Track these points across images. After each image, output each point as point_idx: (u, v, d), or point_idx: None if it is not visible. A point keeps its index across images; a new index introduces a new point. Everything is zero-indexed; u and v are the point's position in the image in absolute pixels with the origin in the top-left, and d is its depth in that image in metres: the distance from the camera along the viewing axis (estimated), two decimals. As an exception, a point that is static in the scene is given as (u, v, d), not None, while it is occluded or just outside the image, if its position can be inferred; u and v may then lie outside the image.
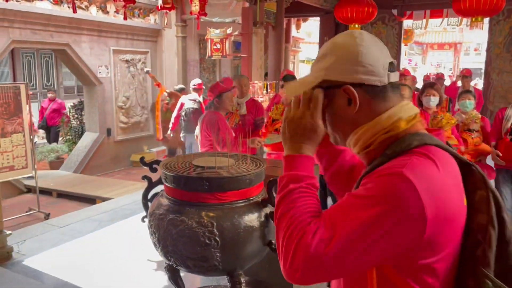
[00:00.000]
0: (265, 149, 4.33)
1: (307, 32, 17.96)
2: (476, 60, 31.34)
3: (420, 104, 3.74)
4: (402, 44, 11.34)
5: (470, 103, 3.96)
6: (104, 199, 5.90)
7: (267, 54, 8.92)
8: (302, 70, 17.49)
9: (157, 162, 2.90)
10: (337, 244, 0.76)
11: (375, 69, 0.87)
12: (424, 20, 10.32)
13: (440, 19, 10.21)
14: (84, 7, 7.27)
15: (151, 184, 2.84)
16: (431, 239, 0.76)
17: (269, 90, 7.31)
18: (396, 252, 0.77)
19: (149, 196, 2.76)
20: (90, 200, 6.09)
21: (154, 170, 2.72)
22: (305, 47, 18.54)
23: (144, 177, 2.84)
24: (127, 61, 8.21)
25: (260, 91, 7.06)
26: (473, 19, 6.49)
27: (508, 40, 8.86)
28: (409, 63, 27.96)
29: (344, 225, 0.77)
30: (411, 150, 0.82)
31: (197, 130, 3.96)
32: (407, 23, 11.70)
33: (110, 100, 7.93)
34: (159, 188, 2.50)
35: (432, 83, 4.02)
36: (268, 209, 2.14)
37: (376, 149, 0.88)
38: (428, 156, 0.80)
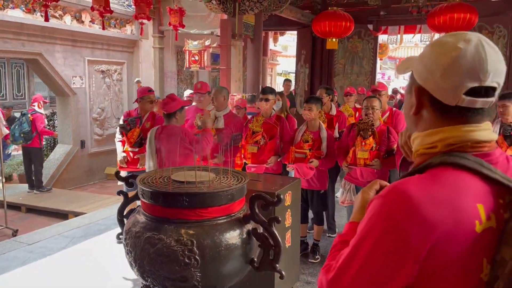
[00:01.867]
0: (245, 161, 4.26)
1: (283, 46, 18.16)
2: (447, 75, 32.47)
3: None
4: (378, 59, 11.56)
5: None
6: (76, 214, 5.70)
7: (245, 67, 8.92)
8: (279, 83, 17.60)
9: (133, 176, 2.78)
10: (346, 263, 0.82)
11: (447, 87, 0.84)
12: (399, 35, 10.57)
13: (414, 34, 10.48)
14: (58, 16, 7.10)
15: (127, 200, 2.72)
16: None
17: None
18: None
19: (124, 212, 2.64)
20: (62, 215, 5.87)
21: (130, 185, 2.61)
22: (282, 60, 18.72)
23: (120, 192, 2.72)
24: (102, 71, 8.04)
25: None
26: (447, 34, 6.66)
27: (479, 55, 9.13)
28: (382, 78, 28.61)
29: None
30: (428, 169, 0.82)
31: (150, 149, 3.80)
32: (382, 37, 11.95)
33: (84, 111, 7.72)
34: (137, 203, 2.39)
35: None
36: (250, 226, 2.07)
37: (416, 159, 0.91)
38: (430, 176, 0.78)
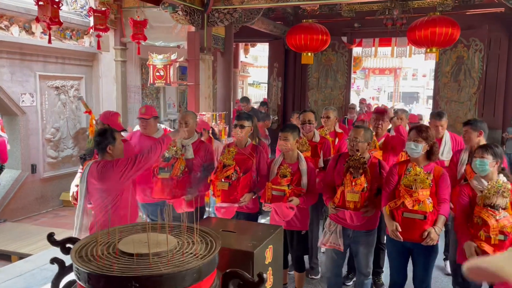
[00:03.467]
0: (213, 198, 3.68)
1: (253, 56, 17.75)
2: (414, 85, 33.05)
3: None
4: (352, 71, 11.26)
5: (481, 162, 2.82)
6: (21, 256, 4.93)
7: (216, 81, 8.36)
8: (251, 93, 17.13)
9: (72, 240, 2.21)
10: None
11: None
12: (373, 48, 10.29)
13: (389, 48, 10.23)
14: (4, 27, 6.33)
15: (64, 269, 2.15)
16: None
17: (218, 121, 6.70)
18: None
19: (61, 285, 2.09)
20: (3, 257, 5.07)
21: (67, 252, 2.04)
22: (253, 71, 18.28)
23: (54, 260, 2.14)
24: (57, 87, 7.27)
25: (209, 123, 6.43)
26: (428, 50, 6.33)
27: (456, 69, 8.95)
28: (352, 87, 28.73)
29: None
30: None
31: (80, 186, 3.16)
32: (357, 50, 11.67)
33: (35, 132, 6.92)
34: None
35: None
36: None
37: None
38: None
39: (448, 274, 4.14)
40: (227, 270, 1.77)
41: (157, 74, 6.84)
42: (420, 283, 3.05)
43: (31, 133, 6.88)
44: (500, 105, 8.71)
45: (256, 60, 18.37)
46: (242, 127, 3.65)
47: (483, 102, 8.75)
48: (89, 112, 5.65)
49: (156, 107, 9.74)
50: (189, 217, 3.75)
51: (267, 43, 11.07)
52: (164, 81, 6.82)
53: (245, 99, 8.03)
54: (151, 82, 6.89)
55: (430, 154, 3.02)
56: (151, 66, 6.88)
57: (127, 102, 8.82)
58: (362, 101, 13.47)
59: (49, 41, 4.98)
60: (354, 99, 27.00)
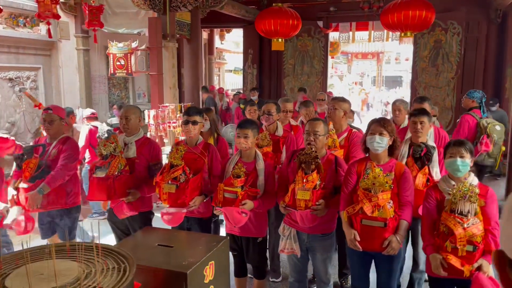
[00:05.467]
0: (161, 203, 3.33)
1: (235, 42, 17.20)
2: (397, 69, 32.87)
3: None
4: (329, 56, 10.92)
5: (463, 163, 2.49)
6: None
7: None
8: (228, 81, 16.65)
9: None
10: None
11: None
12: (351, 33, 9.96)
13: (366, 32, 9.91)
14: None
15: None
16: None
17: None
18: None
19: None
20: None
21: None
22: (234, 57, 17.73)
23: None
24: (10, 79, 6.78)
25: (173, 115, 6.06)
26: (402, 33, 6.02)
27: (433, 53, 8.68)
28: (335, 73, 28.40)
29: None
30: None
31: None
32: (333, 35, 11.32)
33: (-12, 127, 6.46)
34: None
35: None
36: None
37: None
38: None
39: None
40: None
41: (118, 63, 6.40)
42: None
43: (-16, 129, 6.41)
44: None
45: (238, 46, 17.81)
46: (194, 123, 3.30)
47: (462, 87, 8.52)
48: (38, 106, 5.22)
49: (125, 98, 9.29)
50: (132, 224, 3.41)
51: (241, 29, 10.64)
52: (126, 71, 6.38)
53: (204, 88, 7.65)
54: (111, 72, 6.45)
55: (392, 149, 2.73)
56: (111, 55, 6.43)
57: (92, 93, 8.36)
58: (329, 94, 13.15)
59: (-13, 30, 4.51)
60: (338, 85, 26.69)
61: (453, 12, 8.29)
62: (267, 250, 3.89)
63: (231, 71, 18.39)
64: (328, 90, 10.74)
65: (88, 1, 6.30)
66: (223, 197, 3.01)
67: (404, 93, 20.78)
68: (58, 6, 7.08)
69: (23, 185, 3.58)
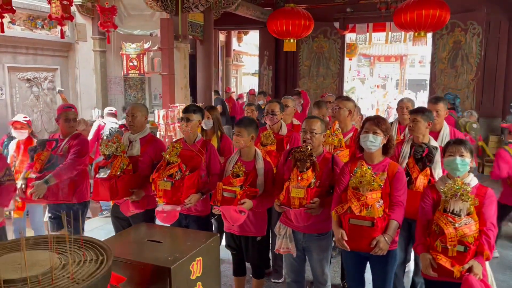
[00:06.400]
0: (157, 200, 3.33)
1: (255, 45, 17.20)
2: (421, 72, 32.19)
3: None
4: (347, 58, 10.81)
5: (463, 162, 2.39)
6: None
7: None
8: (246, 85, 16.64)
9: None
10: None
11: None
12: (368, 34, 9.82)
13: (384, 33, 9.75)
14: (-34, 17, 6.00)
15: None
16: None
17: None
18: None
19: None
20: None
21: None
22: (253, 60, 17.73)
23: None
24: (28, 79, 6.97)
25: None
26: (416, 34, 5.88)
27: (453, 55, 8.45)
28: (358, 75, 28.04)
29: None
30: None
31: None
32: (350, 36, 11.19)
33: (4, 126, 6.63)
34: None
35: None
36: None
37: None
38: None
39: None
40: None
41: (131, 64, 6.51)
42: None
43: (0, 128, 6.59)
44: (499, 92, 8.21)
45: (258, 49, 17.78)
46: (188, 120, 3.29)
47: (482, 89, 8.26)
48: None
49: (141, 99, 9.41)
50: (133, 220, 3.42)
51: (258, 31, 10.64)
52: (138, 72, 6.47)
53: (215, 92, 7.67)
54: (125, 72, 6.55)
55: (386, 148, 2.65)
56: (124, 56, 6.54)
57: (108, 93, 8.51)
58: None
59: (2, 30, 4.64)
60: (359, 88, 26.33)
61: (473, 12, 8.06)
62: (270, 250, 3.85)
63: (252, 74, 18.40)
64: (347, 94, 10.62)
65: (102, 3, 6.42)
66: (222, 196, 2.98)
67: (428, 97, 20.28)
68: (75, 8, 7.27)
69: (32, 175, 3.65)
